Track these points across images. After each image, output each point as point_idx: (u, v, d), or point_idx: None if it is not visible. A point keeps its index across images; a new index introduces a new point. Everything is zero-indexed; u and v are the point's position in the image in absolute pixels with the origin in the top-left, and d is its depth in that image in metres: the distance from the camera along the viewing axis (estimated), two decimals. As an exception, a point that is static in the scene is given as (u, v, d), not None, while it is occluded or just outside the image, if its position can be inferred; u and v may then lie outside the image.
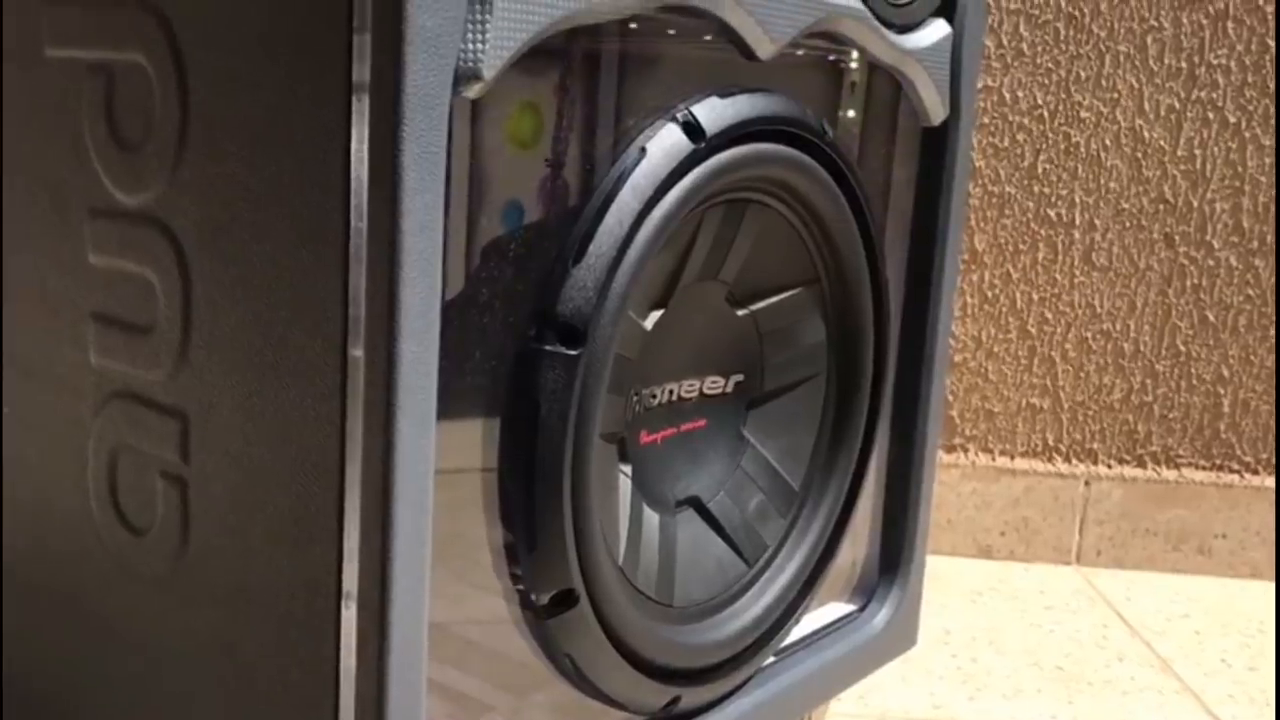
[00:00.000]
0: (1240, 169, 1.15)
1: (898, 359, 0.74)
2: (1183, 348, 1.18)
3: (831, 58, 0.65)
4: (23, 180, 0.58)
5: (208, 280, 0.49)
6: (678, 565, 0.61)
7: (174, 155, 0.50)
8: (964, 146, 0.72)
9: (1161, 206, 1.16)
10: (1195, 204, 1.16)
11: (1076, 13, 1.12)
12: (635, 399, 0.59)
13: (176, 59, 0.49)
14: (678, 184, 0.53)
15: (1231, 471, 1.20)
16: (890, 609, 0.76)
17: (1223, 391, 1.19)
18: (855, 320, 0.67)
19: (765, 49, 0.56)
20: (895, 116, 0.70)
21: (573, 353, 0.50)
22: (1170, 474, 1.20)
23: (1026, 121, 1.14)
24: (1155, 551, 1.21)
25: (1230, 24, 1.12)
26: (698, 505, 0.64)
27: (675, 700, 0.60)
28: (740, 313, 0.63)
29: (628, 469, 0.58)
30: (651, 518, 0.60)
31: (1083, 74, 1.13)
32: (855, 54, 0.66)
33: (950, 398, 1.19)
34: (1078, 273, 1.17)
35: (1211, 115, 1.14)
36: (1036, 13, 1.12)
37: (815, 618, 0.73)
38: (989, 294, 1.17)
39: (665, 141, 0.53)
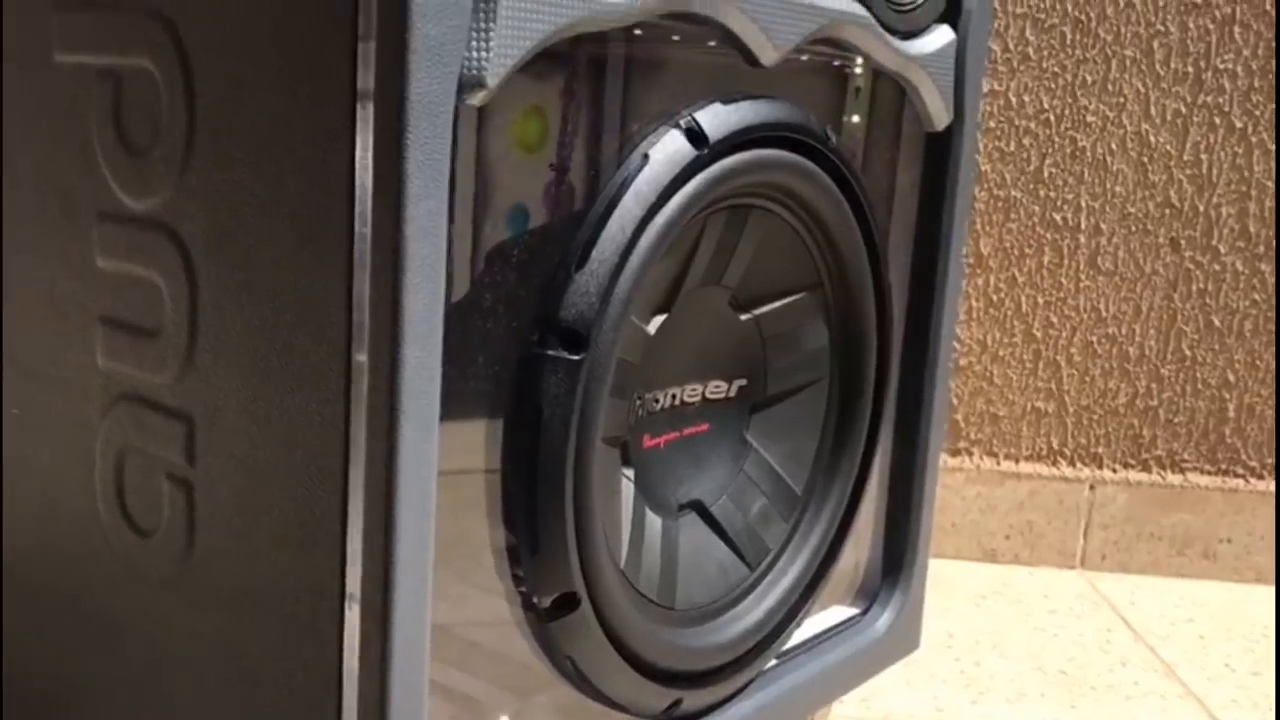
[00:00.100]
0: (1246, 174, 1.15)
1: (901, 363, 0.74)
2: (1188, 352, 1.18)
3: (836, 63, 0.65)
4: (32, 184, 0.59)
5: (214, 285, 0.50)
6: (680, 568, 0.61)
7: (181, 161, 0.50)
8: (968, 151, 0.72)
9: (1167, 211, 1.16)
10: (1201, 208, 1.16)
11: (1083, 17, 1.12)
12: (638, 403, 0.59)
13: (184, 65, 0.49)
14: (680, 190, 0.53)
15: (1236, 476, 1.20)
16: (893, 612, 0.76)
17: (1228, 396, 1.19)
18: (858, 325, 0.67)
19: (769, 55, 0.57)
20: (899, 121, 0.71)
21: (575, 357, 0.50)
22: (1175, 478, 1.20)
23: (1032, 125, 1.14)
24: (1160, 556, 1.21)
25: (1237, 29, 1.12)
26: (700, 509, 0.64)
27: (677, 703, 0.61)
28: (743, 317, 0.64)
29: (630, 473, 0.59)
30: (654, 521, 0.60)
31: (1089, 78, 1.13)
32: (860, 59, 0.66)
33: (955, 401, 1.19)
34: (1083, 277, 1.17)
35: (1218, 120, 1.14)
36: (1043, 17, 1.12)
37: (817, 621, 0.74)
38: (994, 298, 1.18)
39: (668, 148, 0.53)
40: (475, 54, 0.44)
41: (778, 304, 0.64)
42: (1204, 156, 1.15)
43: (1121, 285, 1.17)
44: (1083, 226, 1.16)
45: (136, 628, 0.57)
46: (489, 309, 0.49)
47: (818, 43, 0.60)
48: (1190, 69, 1.13)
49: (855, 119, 0.68)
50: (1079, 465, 1.20)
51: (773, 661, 0.68)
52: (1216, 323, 1.18)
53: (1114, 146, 1.15)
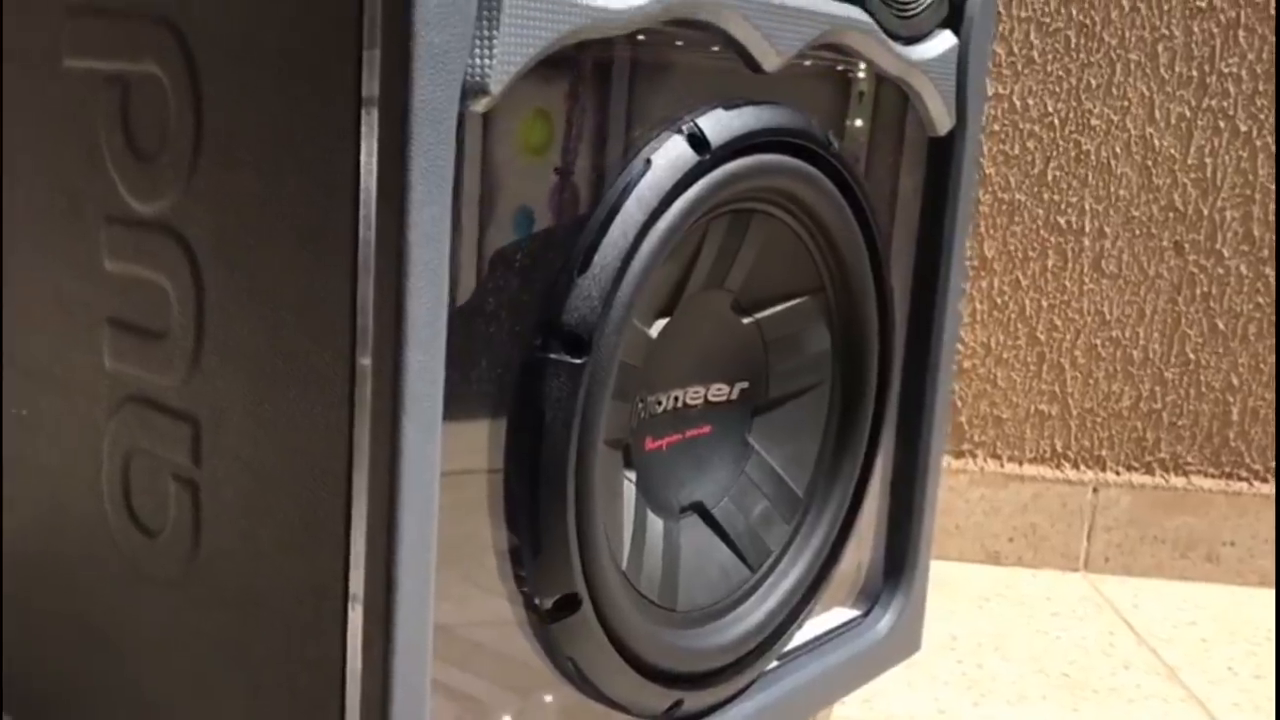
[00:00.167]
0: (1251, 177, 1.15)
1: (904, 366, 0.74)
2: (1192, 355, 1.19)
3: (839, 68, 0.66)
4: (40, 187, 0.59)
5: (220, 288, 0.50)
6: (681, 570, 0.62)
7: (188, 165, 0.51)
8: (970, 156, 0.72)
9: (1171, 214, 1.16)
10: (1205, 212, 1.16)
11: (1087, 21, 1.12)
12: (641, 405, 0.59)
13: (191, 71, 0.50)
14: (682, 196, 0.53)
15: (1240, 479, 1.20)
16: (894, 614, 0.76)
17: (1231, 399, 1.19)
18: (860, 328, 0.67)
19: (771, 61, 0.57)
20: (902, 126, 0.71)
21: (577, 361, 0.51)
22: (1179, 481, 1.20)
23: (1037, 129, 1.15)
24: (1163, 558, 1.21)
25: (1241, 32, 1.12)
26: (702, 511, 0.64)
27: (678, 704, 0.61)
28: (745, 321, 0.64)
29: (632, 475, 0.59)
30: (656, 523, 0.61)
31: (1093, 82, 1.14)
32: (862, 64, 0.66)
33: (959, 404, 1.20)
34: (1087, 280, 1.17)
35: (1222, 123, 1.14)
36: (1047, 20, 1.13)
37: (819, 622, 0.74)
38: (998, 300, 1.18)
39: (670, 153, 0.53)
40: (479, 61, 0.44)
41: (780, 308, 0.65)
42: (1208, 160, 1.15)
43: (1125, 288, 1.18)
44: (1087, 230, 1.16)
45: (141, 627, 0.57)
46: (492, 313, 0.49)
47: (820, 48, 0.61)
48: (1195, 73, 1.13)
49: (858, 123, 0.68)
50: (1082, 468, 1.21)
51: (774, 663, 0.68)
52: (1220, 326, 1.18)
53: (1118, 150, 1.15)
